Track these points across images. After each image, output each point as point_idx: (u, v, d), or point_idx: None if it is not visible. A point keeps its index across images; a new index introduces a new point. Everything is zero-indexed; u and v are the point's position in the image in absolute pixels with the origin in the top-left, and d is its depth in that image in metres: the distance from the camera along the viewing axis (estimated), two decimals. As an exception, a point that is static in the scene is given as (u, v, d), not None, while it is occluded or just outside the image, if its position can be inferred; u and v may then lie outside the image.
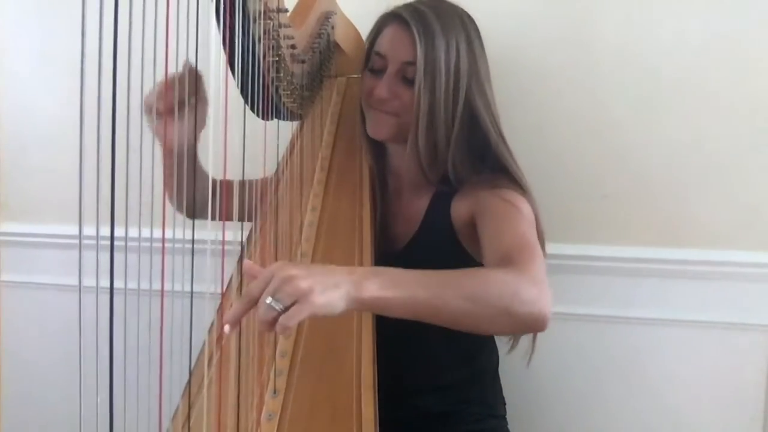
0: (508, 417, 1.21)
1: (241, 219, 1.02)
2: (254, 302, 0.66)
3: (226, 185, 0.92)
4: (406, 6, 1.06)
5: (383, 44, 1.07)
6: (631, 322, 1.35)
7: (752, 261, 1.29)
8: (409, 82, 1.03)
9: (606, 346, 1.36)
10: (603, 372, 1.38)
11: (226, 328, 0.67)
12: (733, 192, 1.29)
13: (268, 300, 0.63)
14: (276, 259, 0.98)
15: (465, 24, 1.04)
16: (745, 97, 1.27)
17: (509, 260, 0.84)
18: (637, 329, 1.35)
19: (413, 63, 1.01)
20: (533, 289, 0.77)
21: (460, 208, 1.05)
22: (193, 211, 0.90)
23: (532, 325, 0.79)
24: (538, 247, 0.90)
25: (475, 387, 1.16)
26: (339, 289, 0.67)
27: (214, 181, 0.99)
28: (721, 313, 1.31)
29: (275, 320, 0.64)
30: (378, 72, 1.07)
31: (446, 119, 1.01)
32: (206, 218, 0.85)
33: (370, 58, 1.09)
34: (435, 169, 1.05)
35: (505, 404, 1.22)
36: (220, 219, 0.90)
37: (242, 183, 1.00)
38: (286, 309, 0.64)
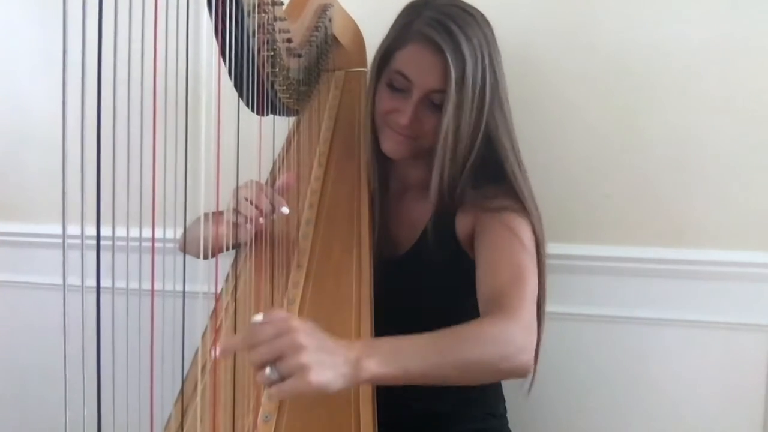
0: (508, 417, 1.20)
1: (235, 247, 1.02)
2: (255, 346, 0.67)
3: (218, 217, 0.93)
4: (435, 24, 0.96)
5: (410, 67, 0.99)
6: (632, 322, 1.35)
7: (752, 261, 1.29)
8: (434, 106, 1.00)
9: (607, 346, 1.36)
10: (604, 372, 1.38)
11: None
12: (734, 192, 1.29)
13: (268, 371, 0.66)
14: (273, 260, 0.96)
15: (487, 36, 0.99)
16: (746, 97, 1.26)
17: (500, 301, 0.86)
18: (638, 329, 1.35)
19: (441, 90, 0.97)
20: (520, 339, 0.81)
21: (464, 218, 1.04)
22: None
23: (515, 376, 0.85)
24: (532, 279, 0.91)
25: (476, 387, 1.14)
26: (338, 369, 0.69)
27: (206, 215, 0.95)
28: (723, 313, 1.31)
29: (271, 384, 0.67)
30: (399, 91, 1.02)
31: (468, 143, 0.99)
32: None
33: (391, 74, 1.02)
34: (452, 189, 1.03)
35: (505, 403, 1.21)
36: (213, 256, 0.91)
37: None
38: (283, 378, 0.66)
